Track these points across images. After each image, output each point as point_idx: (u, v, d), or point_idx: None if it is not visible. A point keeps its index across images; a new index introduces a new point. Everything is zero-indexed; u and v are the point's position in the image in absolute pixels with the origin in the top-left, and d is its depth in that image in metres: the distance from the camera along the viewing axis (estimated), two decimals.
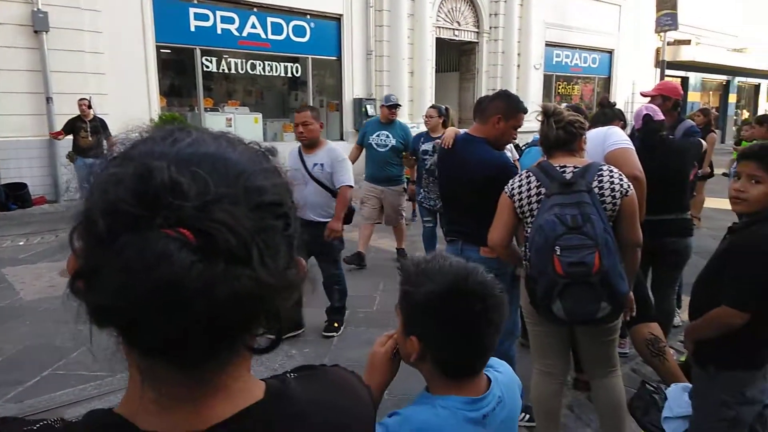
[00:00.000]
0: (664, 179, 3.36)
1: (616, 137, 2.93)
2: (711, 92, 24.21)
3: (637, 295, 2.91)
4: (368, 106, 13.39)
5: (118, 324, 0.48)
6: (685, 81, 21.09)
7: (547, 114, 2.42)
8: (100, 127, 7.89)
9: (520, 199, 2.38)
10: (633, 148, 2.93)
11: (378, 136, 5.80)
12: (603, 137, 2.95)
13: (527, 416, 2.99)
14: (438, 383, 1.13)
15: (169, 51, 10.64)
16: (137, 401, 0.54)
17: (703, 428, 2.08)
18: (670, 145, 3.63)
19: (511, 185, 2.44)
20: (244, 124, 11.42)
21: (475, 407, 1.10)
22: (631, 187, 2.34)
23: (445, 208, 3.10)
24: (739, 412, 2.03)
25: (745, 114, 25.03)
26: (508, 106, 2.79)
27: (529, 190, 2.36)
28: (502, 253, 2.54)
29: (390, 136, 5.78)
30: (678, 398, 2.24)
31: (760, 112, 21.49)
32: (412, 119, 12.43)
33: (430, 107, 5.78)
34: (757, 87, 26.66)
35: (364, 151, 5.95)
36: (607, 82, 19.15)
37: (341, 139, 14.68)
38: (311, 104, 13.23)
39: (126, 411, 0.54)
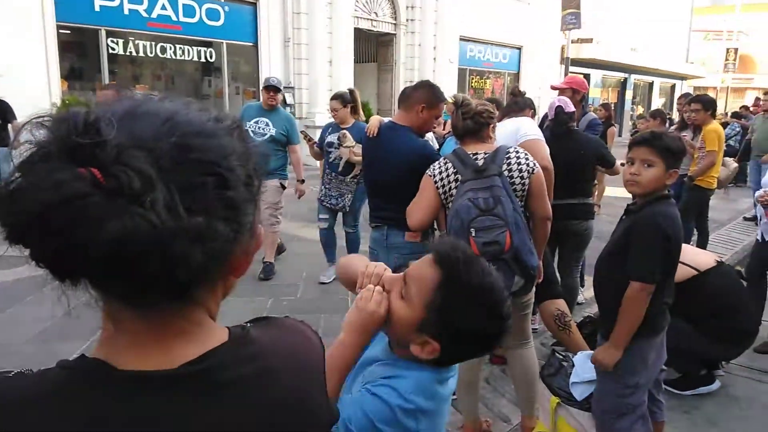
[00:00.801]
0: (570, 167, 3.61)
1: (526, 129, 3.13)
2: (610, 89, 25.96)
3: (544, 274, 3.15)
4: (286, 95, 13.23)
5: (13, 240, 0.51)
6: (587, 77, 22.46)
7: (456, 105, 2.55)
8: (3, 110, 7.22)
9: (443, 185, 2.52)
10: (543, 139, 3.14)
11: (257, 123, 5.05)
12: (515, 129, 3.14)
13: None
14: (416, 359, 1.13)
15: (70, 31, 9.94)
16: (111, 345, 0.59)
17: (609, 393, 2.29)
18: (576, 136, 3.91)
19: (433, 169, 2.57)
20: None
21: (443, 374, 1.16)
22: (537, 165, 2.54)
23: (369, 194, 3.17)
24: (641, 378, 2.25)
25: (640, 109, 27.08)
26: (431, 95, 2.90)
27: (448, 176, 2.50)
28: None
29: (270, 124, 5.05)
30: (584, 364, 2.46)
31: (653, 107, 23.31)
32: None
33: (332, 98, 4.94)
34: (651, 84, 28.89)
35: None
36: (516, 77, 20.01)
37: None
38: (227, 91, 12.94)
39: (101, 354, 0.58)
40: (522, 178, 2.47)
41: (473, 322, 1.07)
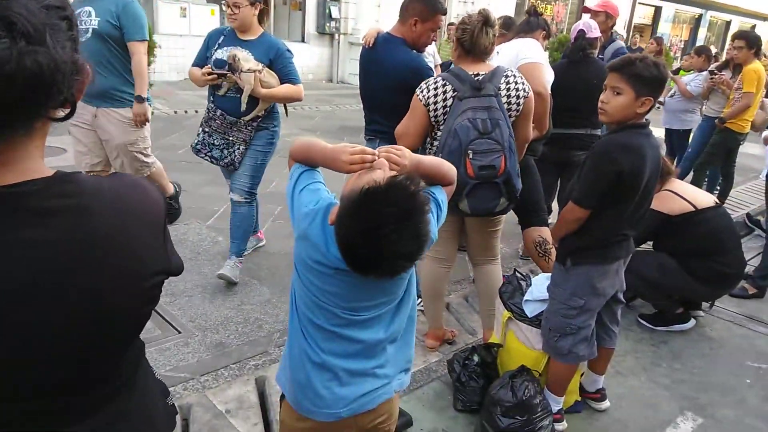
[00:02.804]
0: (580, 95, 3.53)
1: (526, 52, 3.05)
2: (684, 25, 24.11)
3: (532, 199, 3.18)
4: (332, 8, 12.95)
5: None
6: (658, 10, 20.93)
7: (487, 21, 2.47)
8: None
9: (434, 106, 2.47)
10: (543, 63, 3.06)
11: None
12: (516, 52, 3.07)
13: (419, 300, 3.30)
14: None
15: None
16: None
17: (556, 313, 2.37)
18: (593, 64, 3.76)
19: (426, 92, 2.49)
20: (200, 15, 10.97)
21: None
22: (530, 90, 2.53)
23: (365, 107, 3.20)
24: (588, 302, 2.32)
25: (714, 50, 25.15)
26: (425, 8, 2.83)
27: (444, 94, 2.46)
28: None
29: (92, 13, 3.26)
30: (540, 285, 2.53)
31: (726, 48, 21.60)
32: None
33: None
34: (728, 23, 26.63)
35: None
36: (581, 2, 18.81)
37: (302, 41, 14.26)
38: (272, 2, 12.71)
39: None
40: (518, 99, 2.47)
41: (345, 227, 1.15)
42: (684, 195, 3.31)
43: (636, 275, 3.25)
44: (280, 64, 3.24)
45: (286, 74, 3.26)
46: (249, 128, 3.27)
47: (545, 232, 3.34)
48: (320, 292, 1.32)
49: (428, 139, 2.61)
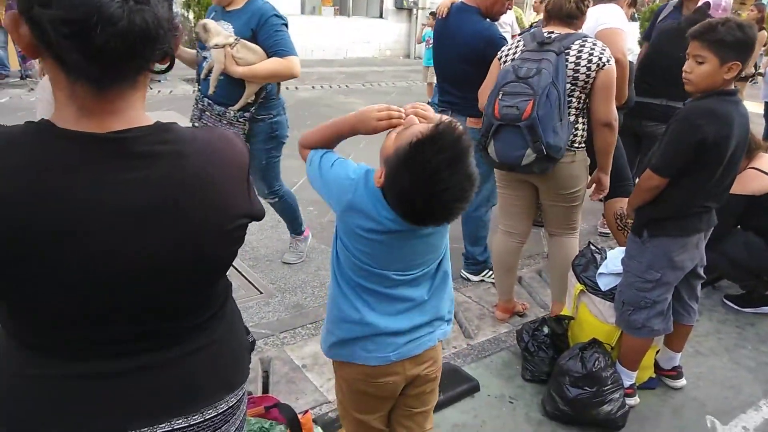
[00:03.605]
0: (667, 66, 3.37)
1: (606, 17, 2.94)
2: None
3: (615, 170, 3.08)
4: None
5: (72, 31, 0.73)
6: None
7: None
8: None
9: (505, 62, 2.54)
10: (621, 29, 2.93)
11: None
12: (596, 17, 2.97)
13: (491, 272, 3.32)
14: None
15: None
16: (59, 115, 0.81)
17: (630, 286, 2.32)
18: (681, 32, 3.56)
19: (503, 50, 2.61)
20: None
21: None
22: (612, 62, 2.40)
23: (438, 78, 3.23)
24: (664, 275, 2.26)
25: None
26: None
27: (516, 48, 2.52)
28: None
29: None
30: (615, 259, 2.48)
31: None
32: None
33: None
34: None
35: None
36: None
37: (380, 16, 14.30)
38: None
39: (52, 119, 0.81)
40: (589, 67, 2.37)
41: (400, 182, 1.20)
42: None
43: (721, 254, 3.11)
44: (264, 33, 2.66)
45: (272, 45, 2.66)
46: (242, 121, 2.77)
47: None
48: (371, 258, 1.37)
49: None
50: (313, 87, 9.50)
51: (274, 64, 2.66)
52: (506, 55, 2.56)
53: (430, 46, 6.93)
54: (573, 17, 2.46)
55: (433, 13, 6.73)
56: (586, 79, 2.39)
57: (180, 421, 0.97)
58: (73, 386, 0.90)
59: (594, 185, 2.67)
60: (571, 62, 2.37)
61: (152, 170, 0.83)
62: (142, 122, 0.85)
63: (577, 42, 2.39)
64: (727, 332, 3.06)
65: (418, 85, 10.10)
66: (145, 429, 0.94)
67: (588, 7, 2.50)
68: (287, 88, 9.12)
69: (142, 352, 0.93)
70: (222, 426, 1.04)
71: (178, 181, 0.86)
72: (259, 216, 1.02)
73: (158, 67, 0.86)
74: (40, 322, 0.87)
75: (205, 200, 0.89)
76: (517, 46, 2.52)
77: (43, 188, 0.77)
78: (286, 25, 2.74)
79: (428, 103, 1.92)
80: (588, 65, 2.37)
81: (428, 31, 6.74)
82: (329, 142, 1.46)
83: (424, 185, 1.16)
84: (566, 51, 2.37)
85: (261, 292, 3.06)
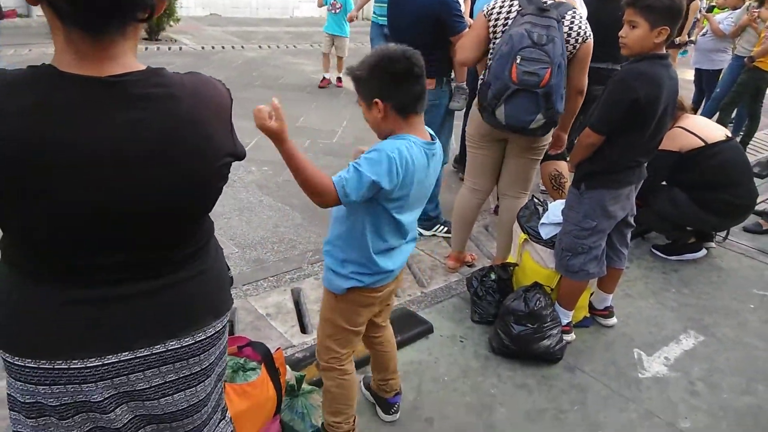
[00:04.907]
0: (606, 30, 3.56)
1: None
2: None
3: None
4: None
5: None
6: None
7: None
8: None
9: (496, 18, 2.56)
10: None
11: None
12: None
13: (445, 228, 3.51)
14: (400, 125, 1.57)
15: None
16: (59, 59, 0.88)
17: (569, 234, 2.54)
18: None
19: (491, 6, 2.60)
20: None
21: (428, 146, 1.59)
22: (591, 35, 2.55)
23: (391, 36, 3.28)
24: (599, 223, 2.48)
25: None
26: None
27: (508, 11, 2.54)
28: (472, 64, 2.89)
29: None
30: (556, 210, 2.70)
31: None
32: None
33: None
34: None
35: None
36: None
37: None
38: None
39: (53, 62, 0.88)
40: (576, 39, 2.49)
41: (378, 62, 1.50)
42: (694, 131, 3.37)
43: (649, 209, 3.40)
44: None
45: None
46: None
47: (561, 166, 3.48)
48: (407, 198, 1.58)
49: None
50: (260, 46, 9.30)
51: None
52: (498, 13, 2.55)
53: (336, 11, 6.81)
54: None
55: None
56: (573, 50, 2.52)
57: (173, 342, 1.08)
58: (76, 310, 0.99)
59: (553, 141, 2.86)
60: (564, 32, 2.46)
61: (149, 111, 0.92)
62: (135, 68, 0.93)
63: (569, 13, 2.48)
64: (654, 277, 3.37)
65: (366, 47, 10.06)
66: (143, 349, 1.05)
67: None
68: (233, 47, 8.91)
69: (140, 279, 1.03)
70: (209, 349, 1.16)
71: (173, 121, 0.94)
72: (241, 155, 1.12)
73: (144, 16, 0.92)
74: (44, 251, 0.96)
75: (197, 138, 0.98)
76: (510, 6, 2.53)
77: (48, 127, 0.85)
78: None
79: None
80: (576, 37, 2.49)
81: None
82: (302, 163, 1.47)
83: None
84: (562, 20, 2.46)
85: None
